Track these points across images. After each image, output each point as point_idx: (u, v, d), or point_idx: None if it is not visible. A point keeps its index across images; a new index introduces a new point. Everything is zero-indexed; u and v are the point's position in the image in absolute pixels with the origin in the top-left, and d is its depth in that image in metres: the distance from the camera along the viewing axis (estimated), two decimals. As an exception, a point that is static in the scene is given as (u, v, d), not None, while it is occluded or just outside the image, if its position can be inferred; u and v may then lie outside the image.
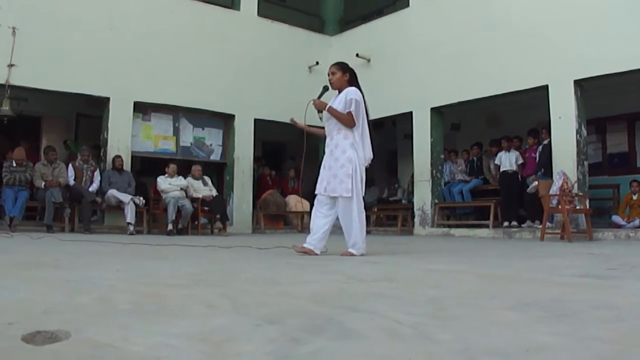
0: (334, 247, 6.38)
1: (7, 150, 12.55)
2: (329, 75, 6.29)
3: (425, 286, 3.47)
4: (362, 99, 6.13)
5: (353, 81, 6.27)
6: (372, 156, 6.36)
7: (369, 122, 6.32)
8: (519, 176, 12.31)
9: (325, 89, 6.36)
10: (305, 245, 6.11)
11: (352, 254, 5.98)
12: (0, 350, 1.74)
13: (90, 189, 11.74)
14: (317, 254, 6.04)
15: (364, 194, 6.35)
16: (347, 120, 6.03)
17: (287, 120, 7.01)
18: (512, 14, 11.89)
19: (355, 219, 6.13)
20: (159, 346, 1.81)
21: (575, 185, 10.29)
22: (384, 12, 15.50)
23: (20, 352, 1.72)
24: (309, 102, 6.21)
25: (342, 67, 6.30)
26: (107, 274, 3.91)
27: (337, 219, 6.31)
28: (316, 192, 6.29)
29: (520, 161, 12.33)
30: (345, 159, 6.06)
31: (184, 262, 5.04)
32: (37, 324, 2.04)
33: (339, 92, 6.21)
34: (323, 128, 6.38)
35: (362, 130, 6.20)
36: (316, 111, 6.22)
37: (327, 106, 6.09)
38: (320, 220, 6.26)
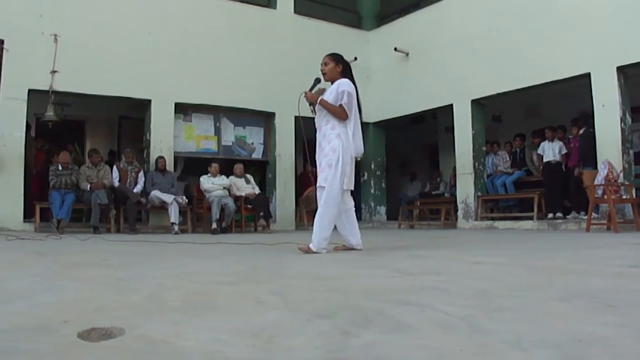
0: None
1: (53, 154, 12.71)
2: (321, 65, 6.11)
3: (473, 279, 3.46)
4: (354, 91, 5.92)
5: (346, 73, 6.07)
6: (363, 150, 6.12)
7: (360, 115, 6.11)
8: (563, 166, 12.13)
9: (317, 80, 6.21)
10: (311, 245, 5.81)
11: (309, 249, 5.68)
12: (59, 346, 1.78)
13: (135, 190, 11.85)
14: (356, 249, 5.98)
15: (352, 188, 6.00)
16: (339, 113, 5.84)
17: None
18: (551, 1, 11.72)
19: (321, 212, 5.81)
20: (212, 341, 1.84)
21: (621, 175, 10.13)
22: (420, 5, 15.38)
23: (77, 348, 1.77)
24: (300, 94, 6.03)
25: (336, 58, 6.13)
26: (156, 272, 3.96)
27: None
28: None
29: (564, 151, 12.13)
30: (330, 149, 5.82)
31: (231, 260, 5.08)
32: (92, 321, 2.09)
33: (332, 84, 6.04)
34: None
35: (355, 123, 5.98)
36: (308, 104, 6.04)
37: (319, 98, 5.92)
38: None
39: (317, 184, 5.89)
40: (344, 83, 5.90)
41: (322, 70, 6.10)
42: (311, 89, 6.11)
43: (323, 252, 5.63)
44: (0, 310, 2.38)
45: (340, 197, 5.83)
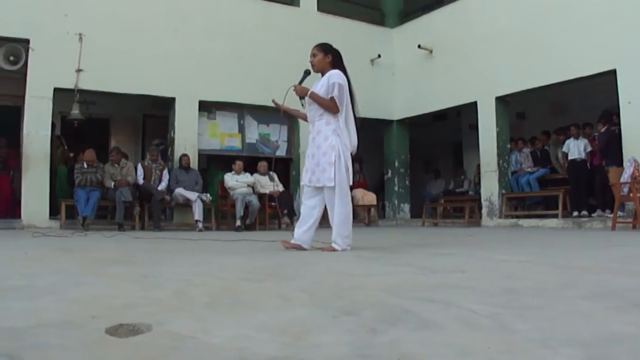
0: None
1: (79, 152, 12.83)
2: (310, 57, 5.96)
3: (499, 277, 3.45)
4: (346, 82, 5.71)
5: (337, 63, 5.88)
6: (357, 142, 5.81)
7: (353, 106, 5.84)
8: (588, 164, 12.03)
9: (307, 73, 6.00)
10: (293, 241, 5.79)
11: (333, 249, 5.58)
12: (87, 342, 1.79)
13: (159, 188, 11.93)
14: (305, 249, 5.74)
15: (351, 183, 5.79)
16: (330, 106, 5.63)
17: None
18: (576, -2, 11.65)
19: (338, 211, 5.64)
20: (239, 337, 1.85)
21: (648, 172, 10.04)
22: (444, 1, 15.34)
23: (105, 344, 1.78)
24: (289, 87, 5.82)
25: (324, 48, 5.98)
26: (182, 269, 3.99)
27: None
28: (302, 183, 6.01)
29: (589, 149, 12.05)
30: (328, 146, 5.61)
31: (256, 257, 5.09)
32: (119, 317, 2.10)
33: (322, 75, 5.85)
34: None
35: (347, 116, 5.71)
36: (298, 97, 5.87)
37: (309, 92, 5.72)
38: (306, 212, 5.88)
39: (319, 183, 5.72)
40: (334, 74, 5.71)
41: (310, 62, 5.95)
42: (300, 82, 5.89)
43: (348, 249, 5.59)
44: (29, 306, 2.40)
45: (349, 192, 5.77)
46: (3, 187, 12.28)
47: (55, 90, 11.55)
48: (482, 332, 1.91)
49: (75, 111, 11.96)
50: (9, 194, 12.31)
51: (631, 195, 9.52)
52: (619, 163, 10.49)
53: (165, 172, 12.31)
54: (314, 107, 5.78)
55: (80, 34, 11.78)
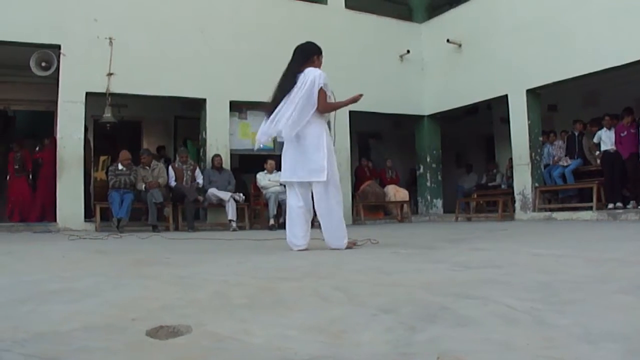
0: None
1: (112, 154, 12.95)
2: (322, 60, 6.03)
3: (535, 271, 3.43)
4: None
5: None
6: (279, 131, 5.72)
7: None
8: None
9: None
10: (300, 247, 5.73)
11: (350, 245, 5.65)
12: (128, 344, 1.82)
13: (198, 181, 12.24)
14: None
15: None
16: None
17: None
18: (607, -14, 11.50)
19: (334, 208, 5.71)
20: (280, 337, 1.86)
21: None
22: (472, -5, 15.27)
23: (147, 346, 1.81)
24: (360, 96, 5.87)
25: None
26: (219, 269, 4.01)
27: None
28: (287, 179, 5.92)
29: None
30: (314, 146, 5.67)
31: (290, 256, 5.10)
32: (158, 319, 2.13)
33: (298, 75, 5.83)
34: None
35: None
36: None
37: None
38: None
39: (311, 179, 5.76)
40: (310, 72, 5.79)
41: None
42: None
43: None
44: (70, 309, 2.43)
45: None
46: (23, 190, 12.36)
47: (87, 94, 11.67)
48: (521, 328, 1.91)
49: (108, 114, 12.07)
50: (29, 195, 12.40)
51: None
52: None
53: (198, 171, 12.39)
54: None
55: (110, 38, 11.89)
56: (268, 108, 5.95)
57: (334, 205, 5.70)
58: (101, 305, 2.55)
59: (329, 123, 6.13)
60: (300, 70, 5.84)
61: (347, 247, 5.61)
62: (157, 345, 1.82)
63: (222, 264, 4.39)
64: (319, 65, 5.96)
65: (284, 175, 5.97)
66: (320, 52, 6.05)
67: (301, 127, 5.62)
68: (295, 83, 5.78)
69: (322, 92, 5.64)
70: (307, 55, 5.97)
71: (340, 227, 5.70)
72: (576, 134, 13.46)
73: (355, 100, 5.87)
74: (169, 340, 1.87)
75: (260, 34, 13.62)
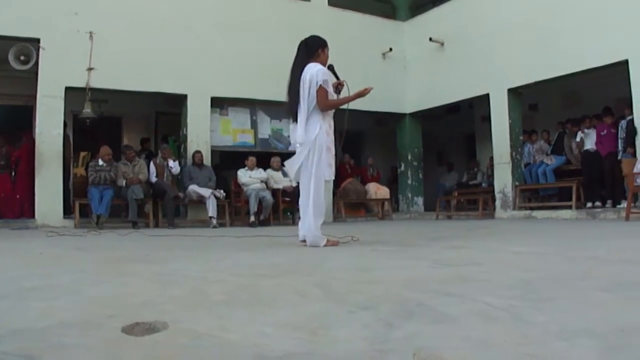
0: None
1: (92, 150, 12.85)
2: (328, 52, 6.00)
3: (514, 269, 3.45)
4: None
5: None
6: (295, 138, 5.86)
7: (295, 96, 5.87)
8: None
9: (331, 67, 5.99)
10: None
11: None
12: (104, 341, 1.81)
13: (171, 166, 12.18)
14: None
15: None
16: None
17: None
18: (588, -12, 11.57)
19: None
20: (256, 334, 1.85)
21: (662, 163, 10.00)
22: (455, -6, 15.31)
23: (122, 343, 1.79)
24: (366, 90, 5.76)
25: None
26: (197, 266, 4.00)
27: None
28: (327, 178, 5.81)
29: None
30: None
31: (271, 253, 5.11)
32: (136, 315, 2.11)
33: (302, 69, 5.81)
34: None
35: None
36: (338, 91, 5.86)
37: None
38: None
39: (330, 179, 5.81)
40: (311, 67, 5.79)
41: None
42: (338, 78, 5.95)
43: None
44: (47, 306, 2.41)
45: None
46: (5, 187, 12.12)
47: (67, 89, 11.55)
48: (499, 325, 1.91)
49: (87, 110, 11.96)
50: (10, 191, 12.11)
51: (645, 185, 9.48)
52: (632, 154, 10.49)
53: (175, 163, 12.37)
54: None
55: (90, 32, 11.78)
56: (288, 109, 6.02)
57: (311, 205, 5.62)
58: (78, 302, 2.54)
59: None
60: (306, 64, 5.80)
61: (328, 245, 5.55)
62: (133, 342, 1.80)
63: (201, 261, 4.38)
64: (325, 59, 5.93)
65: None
66: (325, 45, 6.00)
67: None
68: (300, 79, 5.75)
69: (321, 90, 5.60)
70: (311, 49, 5.91)
71: (312, 229, 5.58)
72: (557, 135, 13.56)
73: (361, 94, 5.75)
74: (145, 336, 1.86)
75: (243, 31, 13.58)
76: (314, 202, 5.60)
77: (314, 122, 5.66)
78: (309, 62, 5.79)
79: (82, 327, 1.98)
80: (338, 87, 5.86)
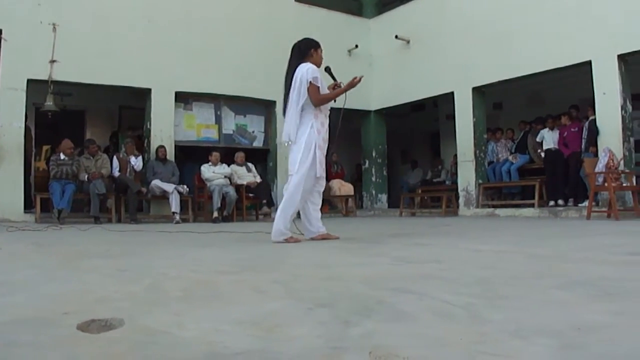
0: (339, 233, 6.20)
1: (54, 144, 12.70)
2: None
3: (474, 267, 3.47)
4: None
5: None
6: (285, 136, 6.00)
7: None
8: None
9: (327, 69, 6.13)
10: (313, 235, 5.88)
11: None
12: (57, 339, 1.78)
13: (132, 162, 12.06)
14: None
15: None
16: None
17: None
18: (553, -11, 11.68)
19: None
20: (212, 331, 1.84)
21: (622, 162, 10.13)
22: (421, -8, 15.36)
23: (77, 340, 1.76)
24: (357, 80, 5.90)
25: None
26: (157, 262, 3.98)
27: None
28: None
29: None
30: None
31: (232, 249, 5.08)
32: (92, 312, 2.09)
33: (295, 70, 5.89)
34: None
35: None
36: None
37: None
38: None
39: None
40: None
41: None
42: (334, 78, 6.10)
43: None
44: (1, 302, 2.38)
45: None
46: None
47: (29, 81, 11.38)
48: (456, 323, 1.91)
49: (49, 102, 11.81)
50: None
51: (606, 185, 9.59)
52: (595, 153, 10.62)
53: (137, 159, 12.29)
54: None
55: (54, 24, 11.62)
56: (283, 110, 6.14)
57: (285, 199, 5.73)
58: (34, 298, 2.51)
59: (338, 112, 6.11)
60: (298, 66, 5.90)
61: (289, 241, 5.56)
62: (87, 339, 1.78)
63: (161, 257, 4.35)
64: (318, 59, 6.03)
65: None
66: (318, 46, 6.10)
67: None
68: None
69: (312, 86, 5.70)
70: (303, 50, 6.01)
71: (278, 222, 5.64)
72: (522, 133, 13.67)
73: (353, 85, 5.87)
74: (100, 334, 1.84)
75: (208, 26, 13.51)
76: (289, 197, 5.70)
77: (305, 121, 5.81)
78: (301, 63, 5.88)
79: (36, 325, 1.95)
80: (335, 89, 5.96)
